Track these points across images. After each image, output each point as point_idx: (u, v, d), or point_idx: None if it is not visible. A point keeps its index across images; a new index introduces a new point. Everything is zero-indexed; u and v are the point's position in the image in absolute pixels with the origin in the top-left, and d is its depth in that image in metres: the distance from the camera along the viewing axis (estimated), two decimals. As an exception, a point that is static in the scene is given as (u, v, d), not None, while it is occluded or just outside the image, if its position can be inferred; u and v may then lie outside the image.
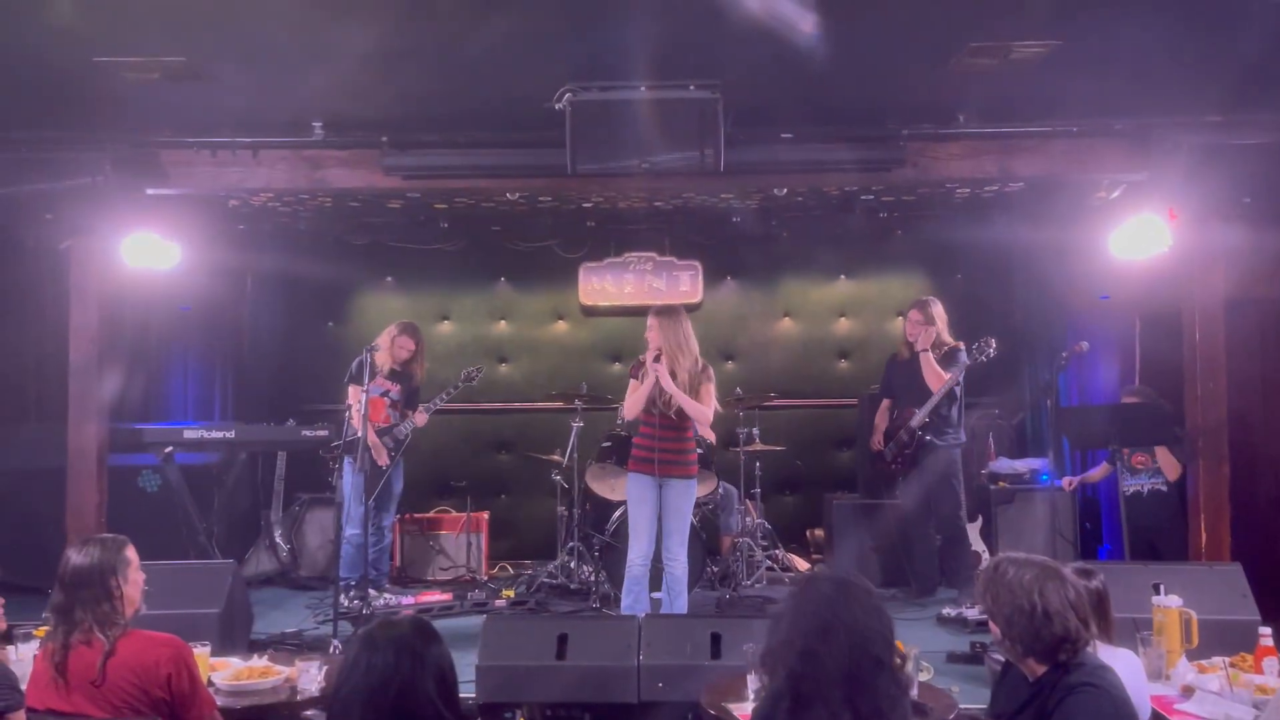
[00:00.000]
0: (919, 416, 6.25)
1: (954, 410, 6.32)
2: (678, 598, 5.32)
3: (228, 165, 5.72)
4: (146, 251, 5.88)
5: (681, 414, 5.27)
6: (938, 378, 6.18)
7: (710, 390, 5.32)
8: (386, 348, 6.63)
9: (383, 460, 6.45)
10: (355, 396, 6.33)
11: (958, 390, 6.29)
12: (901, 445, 6.38)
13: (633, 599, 5.29)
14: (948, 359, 6.26)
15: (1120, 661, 2.99)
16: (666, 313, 5.40)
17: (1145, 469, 6.08)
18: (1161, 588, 3.91)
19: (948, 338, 6.36)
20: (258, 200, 6.74)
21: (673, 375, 5.22)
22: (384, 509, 6.68)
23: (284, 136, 5.69)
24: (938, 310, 6.39)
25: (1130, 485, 6.16)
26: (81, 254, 5.89)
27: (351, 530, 6.35)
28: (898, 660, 2.51)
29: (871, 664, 2.40)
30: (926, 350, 6.24)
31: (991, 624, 2.70)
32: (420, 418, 6.68)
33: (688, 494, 5.37)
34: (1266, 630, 3.62)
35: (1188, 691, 3.46)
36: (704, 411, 5.27)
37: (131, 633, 3.04)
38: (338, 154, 5.76)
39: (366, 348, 6.00)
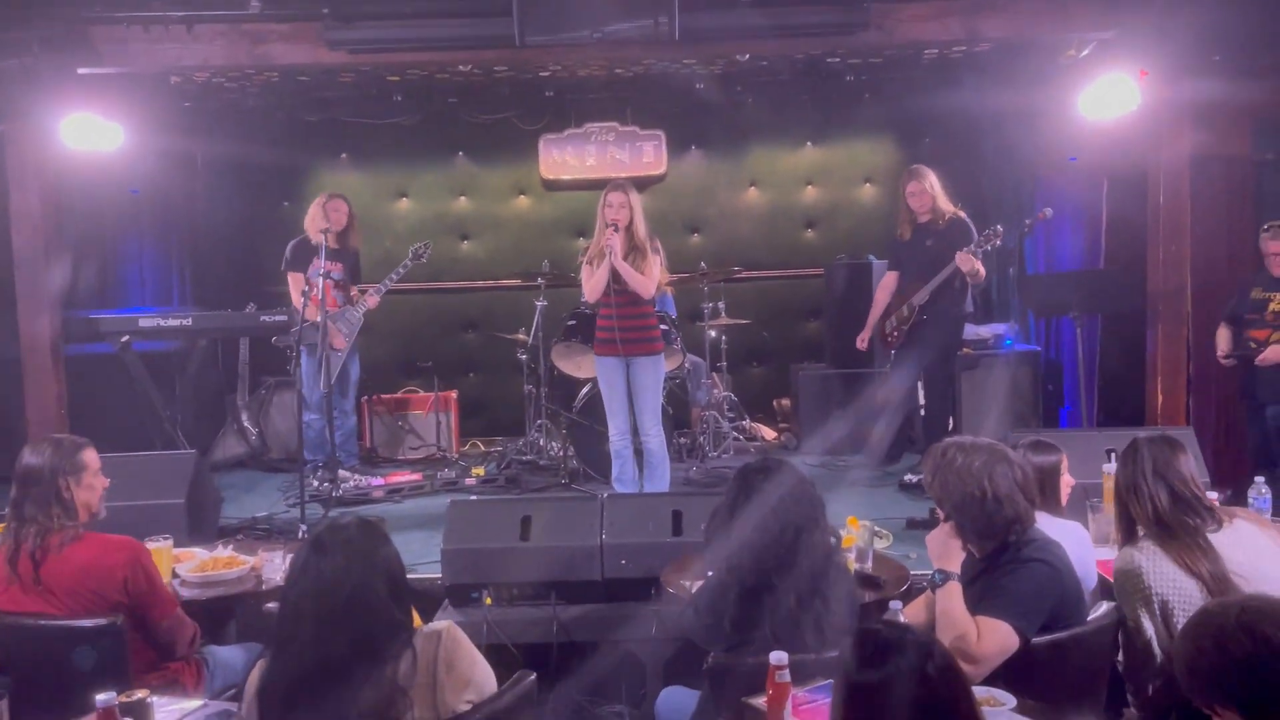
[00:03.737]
0: (923, 293, 5.99)
1: (958, 281, 5.95)
2: (655, 471, 5.42)
3: (162, 41, 5.47)
4: (87, 134, 5.68)
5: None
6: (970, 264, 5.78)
7: (658, 262, 5.29)
8: (317, 219, 6.34)
9: (339, 343, 6.38)
10: (296, 283, 6.22)
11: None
12: (902, 319, 6.17)
13: (617, 472, 5.45)
14: (955, 230, 5.91)
15: (1067, 533, 3.05)
16: (627, 187, 5.29)
17: None
18: (1113, 455, 3.97)
19: (947, 205, 6.01)
20: (200, 77, 6.47)
21: (629, 251, 5.18)
22: (342, 394, 6.62)
23: (220, 10, 5.42)
24: (930, 180, 5.99)
25: None
26: (18, 138, 5.69)
27: (310, 416, 6.34)
28: (832, 540, 2.57)
29: (808, 550, 2.47)
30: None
31: (939, 509, 2.73)
32: (372, 300, 6.54)
33: (655, 370, 5.38)
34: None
35: (1134, 556, 3.54)
36: (645, 284, 5.19)
37: (86, 536, 3.04)
38: (278, 28, 5.51)
39: (296, 239, 5.84)
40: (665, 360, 5.73)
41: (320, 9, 5.35)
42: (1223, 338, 5.49)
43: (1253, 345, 5.29)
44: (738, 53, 6.14)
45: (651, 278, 5.22)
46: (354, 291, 6.60)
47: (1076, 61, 6.20)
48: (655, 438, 5.37)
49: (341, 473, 6.29)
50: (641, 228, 5.22)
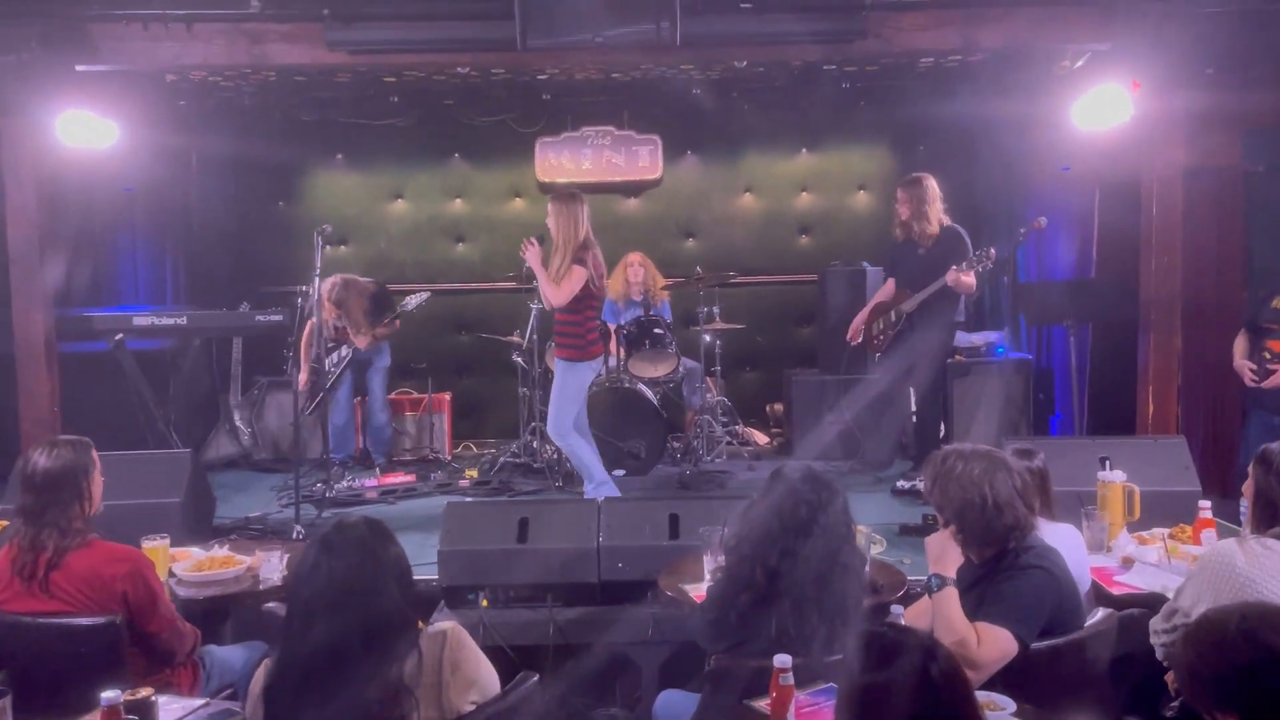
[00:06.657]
0: (912, 302, 5.97)
1: (949, 292, 5.88)
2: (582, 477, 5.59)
3: (161, 39, 5.46)
4: (82, 131, 5.68)
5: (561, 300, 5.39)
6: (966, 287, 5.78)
7: (570, 274, 5.35)
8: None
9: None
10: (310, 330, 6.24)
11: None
12: (889, 324, 6.15)
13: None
14: (948, 240, 5.85)
15: (1061, 536, 3.08)
16: (559, 199, 5.50)
17: None
18: (1108, 463, 4.01)
19: (942, 217, 5.94)
20: (197, 76, 6.44)
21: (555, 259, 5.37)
22: (367, 391, 6.68)
23: (220, 9, 5.42)
24: (928, 187, 5.91)
25: None
26: (13, 134, 5.67)
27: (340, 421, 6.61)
28: (858, 560, 2.59)
29: (841, 566, 2.48)
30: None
31: (939, 516, 2.75)
32: (361, 341, 6.65)
33: (560, 374, 5.53)
34: (1206, 503, 3.71)
35: (1127, 563, 3.58)
36: (545, 291, 5.46)
37: (92, 544, 3.01)
38: (278, 27, 5.50)
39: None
40: (659, 365, 6.01)
41: (321, 9, 5.35)
42: (1239, 347, 5.27)
43: (1267, 356, 5.19)
44: (737, 59, 6.16)
45: (558, 289, 5.35)
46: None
47: (1070, 72, 6.26)
48: (558, 440, 5.54)
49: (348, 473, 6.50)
50: (557, 236, 5.38)
